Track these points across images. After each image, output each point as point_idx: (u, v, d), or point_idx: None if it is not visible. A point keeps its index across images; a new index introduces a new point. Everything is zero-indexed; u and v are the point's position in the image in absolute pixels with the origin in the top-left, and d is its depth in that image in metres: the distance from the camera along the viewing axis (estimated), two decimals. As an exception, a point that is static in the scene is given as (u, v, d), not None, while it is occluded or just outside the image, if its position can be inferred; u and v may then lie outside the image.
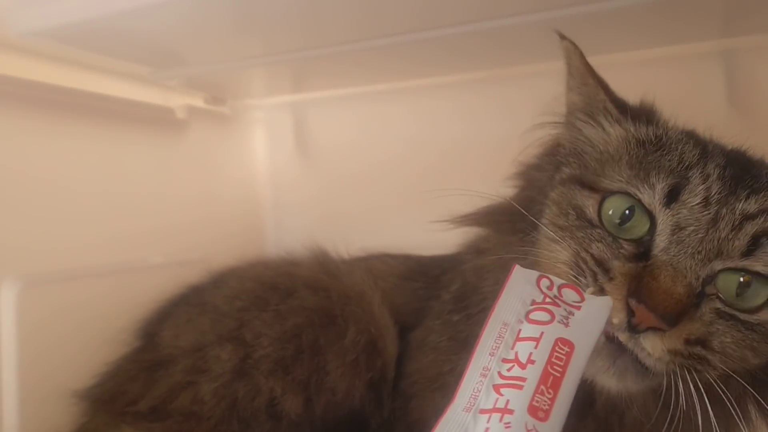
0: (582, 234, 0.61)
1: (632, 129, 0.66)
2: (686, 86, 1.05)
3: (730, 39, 1.00)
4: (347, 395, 0.74)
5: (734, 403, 0.56)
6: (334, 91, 1.32)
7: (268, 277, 0.85)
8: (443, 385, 0.73)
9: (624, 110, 0.68)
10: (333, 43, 0.94)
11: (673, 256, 0.55)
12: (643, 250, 0.58)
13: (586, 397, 0.63)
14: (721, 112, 1.02)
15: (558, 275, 0.59)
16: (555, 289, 0.55)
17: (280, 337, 0.75)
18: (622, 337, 0.54)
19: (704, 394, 0.54)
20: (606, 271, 0.57)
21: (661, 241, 0.57)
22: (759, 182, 0.59)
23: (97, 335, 0.90)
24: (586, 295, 0.55)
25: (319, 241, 0.94)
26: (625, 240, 0.59)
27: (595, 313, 0.53)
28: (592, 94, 0.69)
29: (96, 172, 1.02)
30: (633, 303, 0.53)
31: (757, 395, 0.60)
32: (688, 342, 0.54)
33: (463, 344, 0.71)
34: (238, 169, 1.40)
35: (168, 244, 1.14)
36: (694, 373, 0.54)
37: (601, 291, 0.56)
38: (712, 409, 0.55)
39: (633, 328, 0.53)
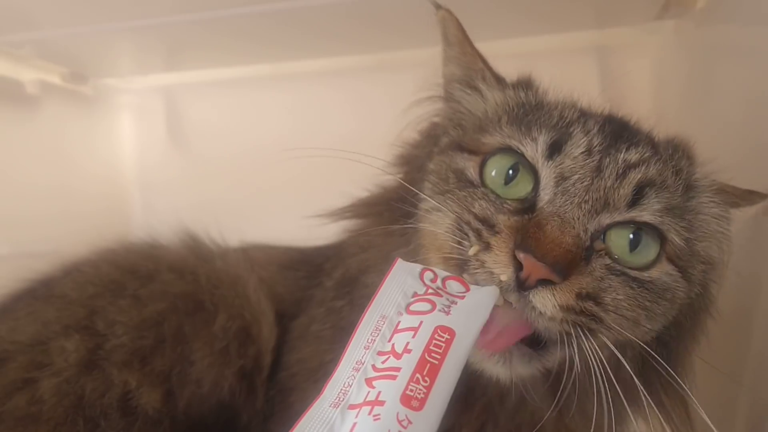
0: (464, 194, 0.58)
1: (511, 93, 0.67)
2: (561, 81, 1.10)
3: (603, 31, 1.04)
4: (215, 386, 0.69)
5: (625, 386, 0.54)
6: (210, 72, 1.26)
7: (128, 261, 0.78)
8: (326, 375, 0.67)
9: (502, 79, 0.69)
10: (207, 7, 0.88)
11: (560, 206, 0.54)
12: (528, 206, 0.56)
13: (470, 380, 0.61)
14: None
15: (441, 246, 0.57)
16: (439, 281, 0.53)
17: (138, 325, 0.69)
18: (512, 298, 0.51)
19: (597, 365, 0.52)
20: (491, 226, 0.54)
21: (546, 194, 0.56)
22: (637, 137, 0.61)
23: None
24: (472, 286, 0.53)
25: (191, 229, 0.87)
26: (510, 200, 0.57)
27: (480, 300, 0.51)
28: (471, 63, 0.69)
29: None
30: (520, 255, 0.50)
31: (643, 388, 0.57)
32: (579, 296, 0.51)
33: (347, 332, 0.67)
34: (101, 157, 1.31)
35: (15, 232, 1.04)
36: (587, 334, 0.52)
37: (486, 247, 0.53)
38: (603, 386, 0.53)
39: (522, 285, 0.51)
